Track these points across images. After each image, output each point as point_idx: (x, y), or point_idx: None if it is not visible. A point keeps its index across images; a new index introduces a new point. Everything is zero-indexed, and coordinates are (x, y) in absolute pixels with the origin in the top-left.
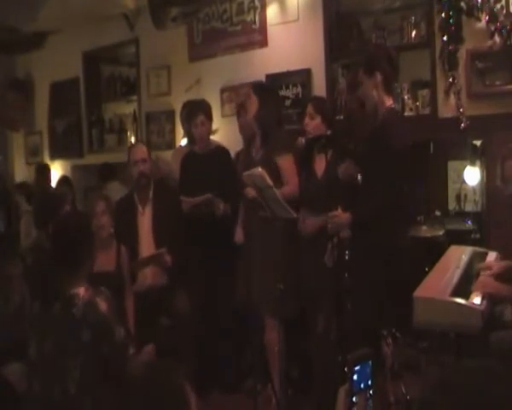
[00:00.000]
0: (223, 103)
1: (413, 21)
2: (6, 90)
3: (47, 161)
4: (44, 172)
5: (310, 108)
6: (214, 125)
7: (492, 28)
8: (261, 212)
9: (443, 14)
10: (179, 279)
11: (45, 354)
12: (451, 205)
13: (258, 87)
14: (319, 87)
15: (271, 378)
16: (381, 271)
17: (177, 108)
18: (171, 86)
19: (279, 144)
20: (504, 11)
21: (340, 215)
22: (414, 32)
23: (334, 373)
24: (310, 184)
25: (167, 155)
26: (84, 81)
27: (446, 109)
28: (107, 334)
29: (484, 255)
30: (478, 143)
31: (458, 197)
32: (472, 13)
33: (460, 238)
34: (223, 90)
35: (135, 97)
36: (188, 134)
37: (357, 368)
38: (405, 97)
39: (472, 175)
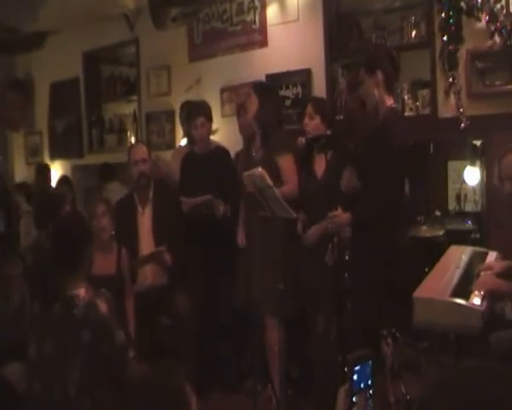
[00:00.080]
0: (223, 103)
1: (413, 21)
2: (6, 90)
3: (47, 161)
4: (44, 172)
5: (309, 109)
6: (214, 126)
7: (492, 28)
8: (261, 212)
9: (443, 14)
10: (179, 280)
11: (45, 354)
12: (451, 205)
13: (258, 87)
14: (319, 87)
15: (271, 378)
16: (381, 271)
17: (177, 108)
18: (171, 86)
19: (279, 144)
20: (504, 11)
21: (341, 215)
22: (414, 32)
23: (334, 373)
24: (309, 185)
25: (167, 155)
26: (84, 81)
27: (446, 109)
28: (107, 336)
29: (484, 255)
30: (478, 143)
31: (458, 197)
32: (472, 13)
33: (460, 238)
34: (223, 91)
35: (135, 97)
36: (187, 134)
37: (357, 368)
38: (405, 97)
39: (472, 175)
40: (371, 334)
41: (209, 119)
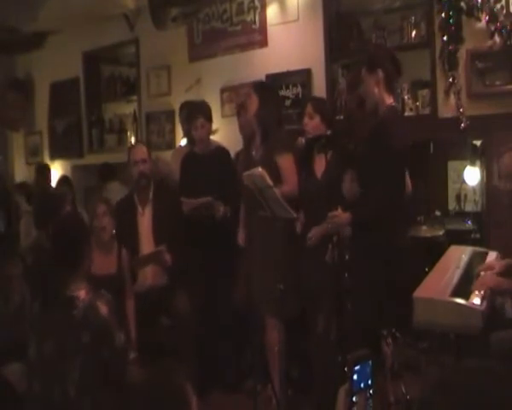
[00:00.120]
0: (223, 103)
1: (413, 21)
2: (6, 90)
3: (47, 161)
4: (44, 172)
5: (309, 108)
6: (214, 126)
7: (492, 28)
8: (261, 212)
9: (443, 14)
10: (179, 280)
11: (45, 354)
12: (451, 205)
13: (258, 86)
14: (319, 87)
15: (271, 378)
16: (381, 271)
17: (178, 108)
18: (171, 86)
19: (279, 143)
20: (504, 11)
21: (340, 215)
22: (414, 32)
23: (334, 373)
24: (309, 185)
25: (167, 155)
26: (84, 81)
27: (446, 109)
28: (106, 338)
29: (484, 255)
30: (478, 143)
31: (458, 197)
32: (472, 13)
33: (460, 238)
34: (223, 91)
35: (135, 97)
36: (187, 134)
37: (357, 368)
38: (405, 97)
39: (472, 175)
40: (371, 334)
41: (209, 119)
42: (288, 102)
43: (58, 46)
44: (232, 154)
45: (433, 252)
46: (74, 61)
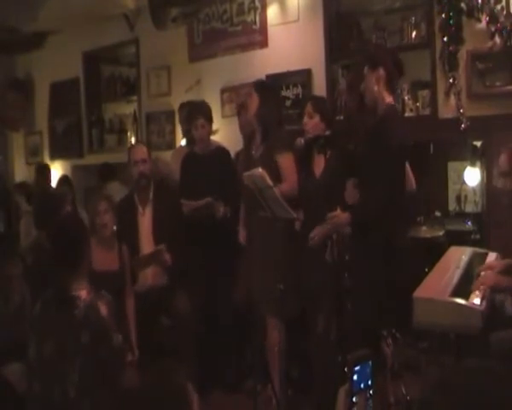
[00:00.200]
0: (223, 104)
1: (413, 22)
2: (6, 90)
3: (47, 161)
4: (44, 172)
5: (309, 107)
6: (214, 126)
7: (493, 29)
8: (261, 212)
9: (443, 15)
10: (179, 280)
11: (45, 355)
12: (451, 206)
13: (259, 85)
14: (319, 87)
15: (271, 378)
16: (381, 271)
17: (178, 108)
18: (171, 86)
19: (279, 142)
20: (504, 12)
21: (340, 215)
22: (414, 33)
23: (334, 373)
24: (308, 184)
25: (167, 155)
26: (84, 81)
27: (446, 110)
28: (105, 338)
29: (484, 256)
30: (478, 143)
31: (458, 198)
32: (472, 14)
33: (460, 239)
34: (223, 91)
35: (135, 98)
36: (187, 135)
37: (357, 368)
38: (405, 98)
39: (472, 176)
40: (371, 334)
41: (209, 119)
42: (288, 103)
43: (58, 46)
44: (232, 154)
45: (433, 252)
46: (74, 61)
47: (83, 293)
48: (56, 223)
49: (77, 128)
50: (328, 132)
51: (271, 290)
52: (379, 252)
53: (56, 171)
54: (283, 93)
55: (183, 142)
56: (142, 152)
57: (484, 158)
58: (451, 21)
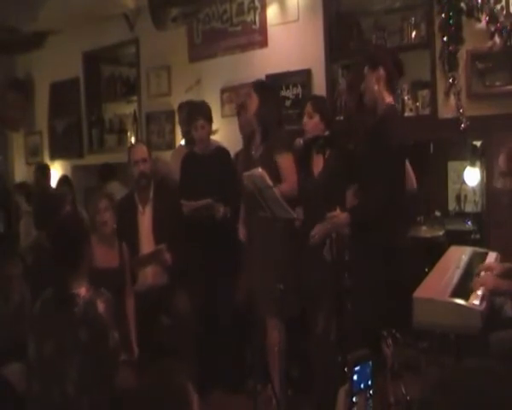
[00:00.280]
0: (223, 104)
1: (413, 22)
2: (6, 90)
3: (47, 161)
4: (44, 172)
5: (308, 107)
6: (214, 126)
7: (492, 29)
8: (261, 212)
9: (443, 15)
10: (179, 279)
11: (45, 354)
12: (451, 205)
13: (259, 85)
14: (319, 87)
15: (271, 378)
16: (381, 271)
17: (177, 108)
18: (171, 86)
19: (279, 142)
20: (504, 12)
21: (339, 215)
22: (414, 33)
23: (334, 373)
24: (307, 184)
25: (167, 155)
26: (84, 81)
27: (446, 110)
28: (102, 336)
29: (484, 256)
30: (478, 143)
31: (458, 198)
32: (472, 13)
33: (460, 239)
34: (223, 91)
35: (135, 98)
36: (186, 135)
37: (357, 368)
38: (405, 98)
39: (472, 176)
40: (371, 334)
41: (209, 120)
42: (288, 103)
43: (58, 46)
44: (232, 154)
45: (433, 252)
46: (74, 61)
47: (82, 290)
48: (56, 223)
49: (77, 128)
50: (327, 133)
51: (271, 290)
52: (379, 252)
53: (56, 171)
54: (283, 93)
55: (183, 142)
56: (142, 151)
57: (484, 158)
58: (451, 21)
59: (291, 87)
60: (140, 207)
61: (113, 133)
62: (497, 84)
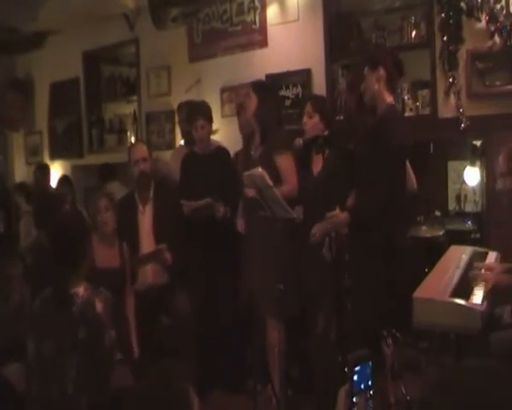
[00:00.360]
0: (223, 104)
1: (413, 21)
2: (6, 90)
3: (47, 161)
4: (44, 172)
5: (308, 107)
6: (214, 126)
7: (492, 28)
8: (261, 212)
9: (443, 15)
10: (179, 279)
11: (44, 353)
12: (451, 205)
13: (257, 85)
14: (319, 87)
15: (271, 378)
16: (381, 271)
17: (176, 108)
18: (171, 86)
19: (278, 143)
20: (504, 11)
21: (339, 215)
22: (414, 32)
23: (334, 373)
24: (307, 184)
25: (167, 155)
26: (84, 81)
27: (446, 109)
28: (99, 335)
29: (484, 256)
30: (478, 143)
31: (458, 197)
32: (472, 13)
33: (460, 238)
34: (223, 91)
35: (135, 97)
36: (186, 135)
37: (357, 369)
38: (405, 97)
39: (472, 175)
40: (371, 334)
41: (209, 120)
42: (288, 103)
43: (58, 46)
44: (232, 154)
45: (433, 252)
46: (74, 61)
47: (80, 290)
48: (56, 222)
49: (77, 128)
50: (326, 132)
51: (271, 290)
52: (379, 252)
53: (56, 171)
54: (283, 93)
55: (183, 142)
56: (142, 151)
57: (484, 157)
58: (451, 21)
59: (291, 87)
60: (140, 207)
61: (113, 133)
62: (497, 83)
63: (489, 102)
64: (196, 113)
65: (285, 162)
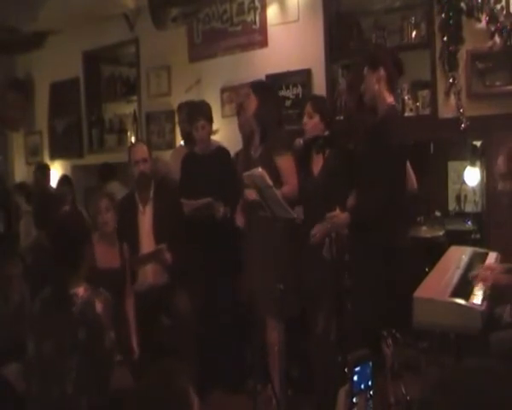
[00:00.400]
0: (223, 104)
1: (413, 22)
2: (6, 90)
3: (47, 161)
4: (44, 171)
5: (308, 107)
6: (214, 126)
7: (492, 29)
8: (261, 212)
9: (443, 15)
10: (180, 279)
11: (44, 353)
12: (451, 205)
13: (257, 86)
14: (319, 87)
15: (271, 378)
16: (381, 271)
17: (176, 108)
18: (171, 86)
19: (278, 143)
20: (504, 12)
21: (339, 215)
22: (414, 33)
23: (334, 374)
24: (307, 184)
25: (167, 155)
26: (84, 81)
27: (446, 110)
28: (98, 335)
29: (484, 256)
30: (478, 143)
31: (458, 198)
32: (472, 13)
33: (460, 239)
34: (223, 91)
35: (135, 97)
36: (186, 135)
37: (357, 369)
38: (405, 98)
39: (472, 176)
40: (371, 334)
41: (210, 120)
42: (288, 103)
43: (58, 46)
44: (232, 154)
45: (433, 252)
46: (74, 61)
47: (80, 290)
48: (56, 223)
49: (77, 128)
50: (327, 132)
51: (271, 290)
52: (379, 252)
53: (56, 171)
54: (283, 93)
55: (183, 142)
56: (142, 151)
57: (484, 158)
58: (451, 21)
59: (291, 87)
60: (140, 207)
61: (113, 133)
62: (497, 84)
63: (489, 103)
64: (197, 113)
65: (285, 163)
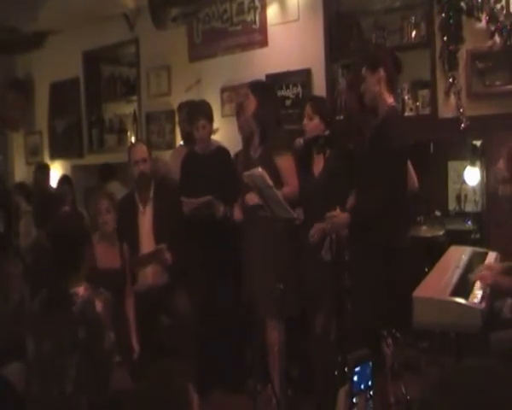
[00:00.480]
0: (223, 103)
1: (413, 21)
2: (6, 90)
3: (47, 161)
4: (44, 171)
5: (308, 109)
6: (214, 126)
7: (492, 28)
8: (261, 212)
9: (443, 15)
10: (180, 279)
11: (43, 353)
12: (451, 205)
13: (256, 86)
14: (319, 87)
15: (271, 378)
16: (381, 271)
17: (176, 108)
18: (171, 86)
19: (277, 143)
20: (504, 11)
21: (339, 215)
22: (414, 32)
23: (334, 374)
24: (307, 184)
25: (167, 155)
26: (84, 81)
27: (446, 109)
28: (98, 335)
29: (484, 256)
30: (478, 143)
31: (458, 197)
32: (472, 13)
33: (460, 238)
34: (223, 90)
35: (135, 97)
36: (186, 135)
37: (357, 369)
38: (405, 97)
39: (472, 175)
40: (371, 334)
41: (210, 119)
42: (288, 102)
43: (58, 46)
44: (232, 154)
45: (433, 252)
46: (74, 61)
47: (80, 290)
48: (56, 224)
49: (77, 128)
50: (327, 132)
51: (271, 290)
52: (379, 252)
53: (56, 171)
54: (283, 93)
55: (183, 142)
56: (142, 151)
57: (484, 157)
58: (451, 21)
59: (291, 87)
60: (140, 207)
61: (113, 133)
62: (497, 83)
63: (489, 102)
64: (197, 113)
65: (285, 163)
